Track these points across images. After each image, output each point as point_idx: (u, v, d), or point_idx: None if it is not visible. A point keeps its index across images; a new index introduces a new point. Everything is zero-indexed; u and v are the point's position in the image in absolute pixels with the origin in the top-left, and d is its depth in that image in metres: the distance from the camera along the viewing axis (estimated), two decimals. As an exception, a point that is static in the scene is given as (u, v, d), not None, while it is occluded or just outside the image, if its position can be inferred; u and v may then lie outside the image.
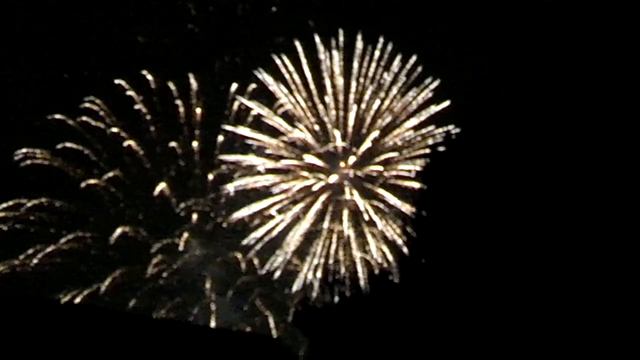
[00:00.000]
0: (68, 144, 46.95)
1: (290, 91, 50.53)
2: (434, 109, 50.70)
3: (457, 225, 16.01)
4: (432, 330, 15.31)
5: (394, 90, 51.37)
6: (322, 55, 51.02)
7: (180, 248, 47.89)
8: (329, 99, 50.92)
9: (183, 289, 47.85)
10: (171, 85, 48.00)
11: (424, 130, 50.19)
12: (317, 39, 51.22)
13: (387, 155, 51.04)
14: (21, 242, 45.80)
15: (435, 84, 50.88)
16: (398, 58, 51.22)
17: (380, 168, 50.98)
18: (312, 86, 50.65)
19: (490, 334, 14.58)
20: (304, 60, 50.58)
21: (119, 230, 47.01)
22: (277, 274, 48.76)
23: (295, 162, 50.28)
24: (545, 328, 14.02)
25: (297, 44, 51.06)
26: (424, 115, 50.95)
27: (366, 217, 49.39)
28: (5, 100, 47.43)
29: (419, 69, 51.03)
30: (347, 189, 50.29)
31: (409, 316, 15.95)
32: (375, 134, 51.32)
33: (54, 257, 45.85)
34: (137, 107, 48.46)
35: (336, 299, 17.33)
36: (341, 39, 50.95)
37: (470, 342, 14.70)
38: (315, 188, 50.26)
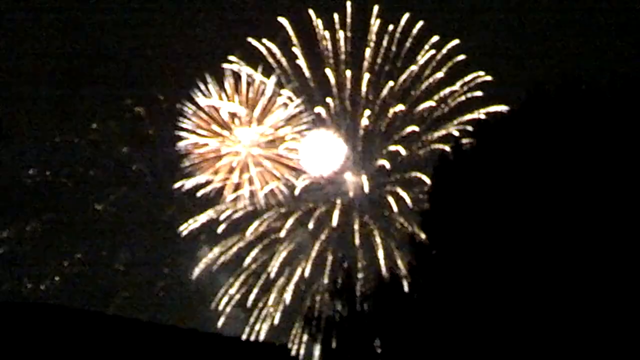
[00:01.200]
0: (77, 166, 47.12)
1: (281, 86, 37.93)
2: (480, 114, 35.14)
3: (466, 247, 16.00)
4: (439, 339, 15.30)
5: (422, 87, 36.56)
6: (322, 38, 36.43)
7: (190, 273, 47.61)
8: (331, 99, 37.77)
9: (191, 305, 47.36)
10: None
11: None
12: (313, 15, 35.76)
13: (409, 173, 38.47)
14: (27, 263, 46.07)
15: (486, 79, 35.92)
16: (431, 42, 35.66)
17: (402, 192, 39.23)
18: (307, 74, 37.27)
19: (498, 338, 14.56)
20: (297, 46, 36.15)
21: (126, 252, 47.07)
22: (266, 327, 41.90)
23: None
24: (562, 328, 13.99)
25: (284, 21, 36.00)
26: (465, 123, 36.15)
27: (377, 238, 40.94)
28: (15, 121, 47.90)
29: (460, 57, 35.64)
30: (355, 214, 41.10)
31: (417, 324, 15.95)
32: (394, 147, 37.79)
33: (60, 278, 45.91)
34: (143, 122, 46.06)
35: (346, 308, 17.33)
36: (349, 14, 35.84)
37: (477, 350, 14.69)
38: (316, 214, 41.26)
